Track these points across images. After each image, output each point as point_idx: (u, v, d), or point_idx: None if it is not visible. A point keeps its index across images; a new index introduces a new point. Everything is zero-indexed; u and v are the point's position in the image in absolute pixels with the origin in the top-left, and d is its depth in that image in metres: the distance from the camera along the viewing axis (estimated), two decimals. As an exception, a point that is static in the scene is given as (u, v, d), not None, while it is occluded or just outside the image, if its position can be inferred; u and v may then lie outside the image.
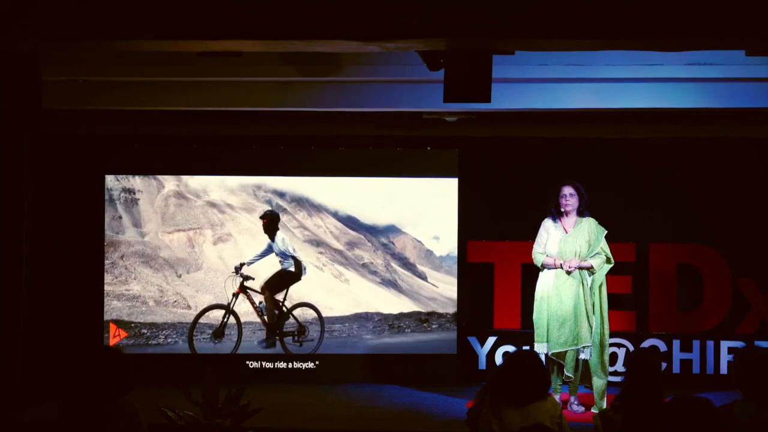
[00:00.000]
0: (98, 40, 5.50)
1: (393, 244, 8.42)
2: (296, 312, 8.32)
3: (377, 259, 8.40)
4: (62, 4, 5.32)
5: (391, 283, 8.40)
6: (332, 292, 8.37)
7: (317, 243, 8.37)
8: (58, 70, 7.36)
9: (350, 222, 8.40)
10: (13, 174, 6.71)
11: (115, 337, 8.22)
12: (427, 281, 8.39)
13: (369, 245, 8.40)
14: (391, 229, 8.42)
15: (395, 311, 8.36)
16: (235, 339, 8.24)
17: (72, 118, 8.42)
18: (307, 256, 8.34)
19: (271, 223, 8.32)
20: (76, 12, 5.31)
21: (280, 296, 8.31)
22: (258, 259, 8.29)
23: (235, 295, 8.25)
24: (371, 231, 8.41)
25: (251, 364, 8.24)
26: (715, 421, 3.65)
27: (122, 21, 5.31)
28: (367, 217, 8.40)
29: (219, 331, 8.19)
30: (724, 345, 8.23)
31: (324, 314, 8.32)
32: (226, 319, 8.21)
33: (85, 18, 5.32)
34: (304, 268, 8.32)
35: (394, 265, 8.41)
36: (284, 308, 8.30)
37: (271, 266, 8.32)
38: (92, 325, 8.26)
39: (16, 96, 6.64)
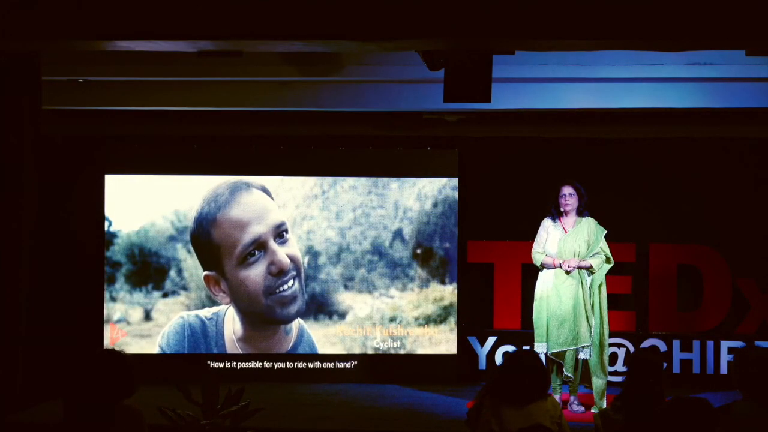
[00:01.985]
0: (98, 40, 5.51)
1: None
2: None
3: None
4: (62, 4, 5.32)
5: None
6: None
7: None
8: (58, 70, 7.38)
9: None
10: (13, 174, 6.71)
11: (115, 337, 8.23)
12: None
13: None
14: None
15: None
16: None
17: (72, 118, 8.43)
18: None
19: None
20: (76, 12, 5.32)
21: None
22: None
23: None
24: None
25: (252, 365, 8.24)
26: (711, 421, 3.65)
27: (122, 21, 5.32)
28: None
29: None
30: (724, 345, 8.23)
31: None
32: None
33: (85, 18, 5.32)
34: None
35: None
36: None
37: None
38: (92, 325, 8.27)
39: (16, 96, 6.65)
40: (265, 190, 8.16)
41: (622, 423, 4.42)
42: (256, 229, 8.05)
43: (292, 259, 8.13)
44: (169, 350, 8.19)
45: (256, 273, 8.06)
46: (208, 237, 8.10)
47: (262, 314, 8.15)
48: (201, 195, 8.13)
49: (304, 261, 8.27)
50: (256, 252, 8.03)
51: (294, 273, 8.16)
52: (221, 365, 8.15)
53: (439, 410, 7.27)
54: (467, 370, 8.33)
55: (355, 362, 8.33)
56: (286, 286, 8.10)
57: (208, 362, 8.15)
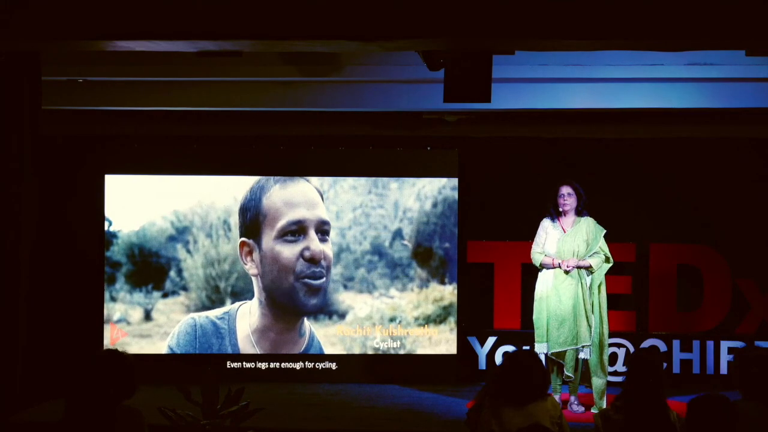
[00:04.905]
0: (98, 40, 5.51)
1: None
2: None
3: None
4: (62, 4, 5.32)
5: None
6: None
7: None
8: (58, 70, 7.37)
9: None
10: (13, 174, 6.70)
11: (115, 337, 8.23)
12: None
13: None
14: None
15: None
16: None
17: (72, 118, 8.43)
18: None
19: None
20: (76, 12, 5.32)
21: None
22: None
23: None
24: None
25: (252, 365, 8.23)
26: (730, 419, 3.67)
27: (122, 21, 5.31)
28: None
29: None
30: (724, 345, 8.24)
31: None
32: None
33: (85, 18, 5.32)
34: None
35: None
36: None
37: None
38: (92, 325, 8.27)
39: (16, 96, 6.65)
40: (319, 191, 8.30)
41: (622, 423, 4.42)
42: (304, 213, 8.21)
43: (326, 257, 8.23)
44: (180, 351, 8.19)
45: (290, 252, 8.15)
46: (257, 203, 8.22)
47: (284, 297, 8.17)
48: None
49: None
50: (297, 234, 8.15)
51: (325, 271, 8.24)
52: (221, 365, 8.14)
53: (439, 410, 7.27)
54: (467, 370, 8.33)
55: (355, 362, 8.33)
56: (316, 275, 8.18)
57: (208, 363, 8.14)
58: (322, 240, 8.21)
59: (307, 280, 8.17)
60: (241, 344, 8.20)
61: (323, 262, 8.21)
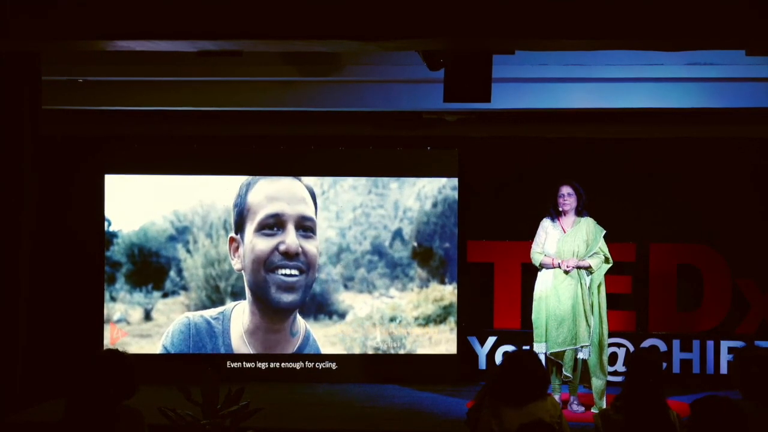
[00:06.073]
0: (98, 40, 5.51)
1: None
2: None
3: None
4: (62, 4, 5.33)
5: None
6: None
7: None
8: (58, 70, 7.38)
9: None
10: (13, 174, 6.70)
11: (115, 337, 8.23)
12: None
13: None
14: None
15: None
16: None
17: (72, 118, 8.43)
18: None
19: None
20: (76, 12, 5.32)
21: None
22: None
23: None
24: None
25: (252, 365, 8.23)
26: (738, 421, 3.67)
27: (122, 21, 5.32)
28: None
29: None
30: (724, 345, 8.24)
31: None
32: None
33: (85, 18, 5.33)
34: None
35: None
36: None
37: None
38: (92, 325, 8.27)
39: (16, 96, 6.65)
40: (311, 191, 8.28)
41: (622, 423, 4.42)
42: (283, 207, 8.19)
43: (307, 253, 8.20)
44: (173, 350, 8.19)
45: (266, 244, 8.13)
46: (243, 199, 8.24)
47: (260, 291, 8.15)
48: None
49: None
50: (275, 228, 8.14)
51: (303, 267, 8.19)
52: (222, 365, 8.14)
53: (439, 410, 7.27)
54: (467, 370, 8.33)
55: (355, 362, 8.33)
56: (288, 271, 8.15)
57: (208, 362, 8.14)
58: (304, 236, 8.18)
59: (277, 275, 8.13)
60: (236, 344, 8.19)
61: (301, 258, 8.18)
